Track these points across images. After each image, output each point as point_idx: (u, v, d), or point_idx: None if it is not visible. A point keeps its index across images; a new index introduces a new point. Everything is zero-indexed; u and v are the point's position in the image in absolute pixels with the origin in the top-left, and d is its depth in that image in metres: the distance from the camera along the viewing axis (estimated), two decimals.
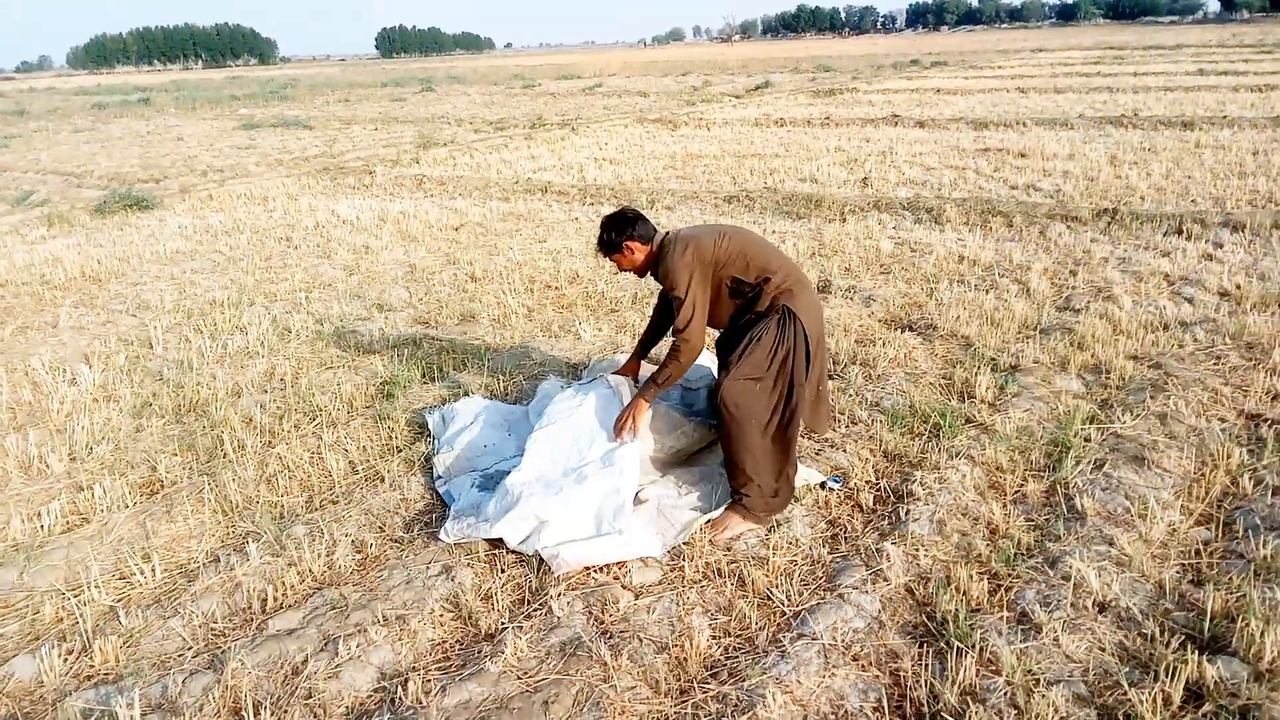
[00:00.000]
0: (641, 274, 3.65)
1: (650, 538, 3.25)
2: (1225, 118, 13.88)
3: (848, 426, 4.18)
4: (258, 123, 23.10)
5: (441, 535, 3.35)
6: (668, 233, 3.54)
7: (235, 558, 3.31)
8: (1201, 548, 3.10)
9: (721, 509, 3.44)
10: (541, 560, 3.17)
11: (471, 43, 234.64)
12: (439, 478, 3.86)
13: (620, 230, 3.50)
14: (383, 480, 3.89)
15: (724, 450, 3.43)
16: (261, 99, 34.96)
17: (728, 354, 3.53)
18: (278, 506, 3.71)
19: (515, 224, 9.18)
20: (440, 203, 10.57)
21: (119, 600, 3.12)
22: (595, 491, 3.35)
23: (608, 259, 3.65)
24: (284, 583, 3.13)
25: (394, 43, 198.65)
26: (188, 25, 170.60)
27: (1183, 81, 21.13)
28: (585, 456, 3.53)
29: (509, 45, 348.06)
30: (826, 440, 4.04)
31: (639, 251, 3.53)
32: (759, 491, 3.34)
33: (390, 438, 4.30)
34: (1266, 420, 3.99)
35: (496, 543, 3.29)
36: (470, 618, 2.93)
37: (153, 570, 3.25)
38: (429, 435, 4.28)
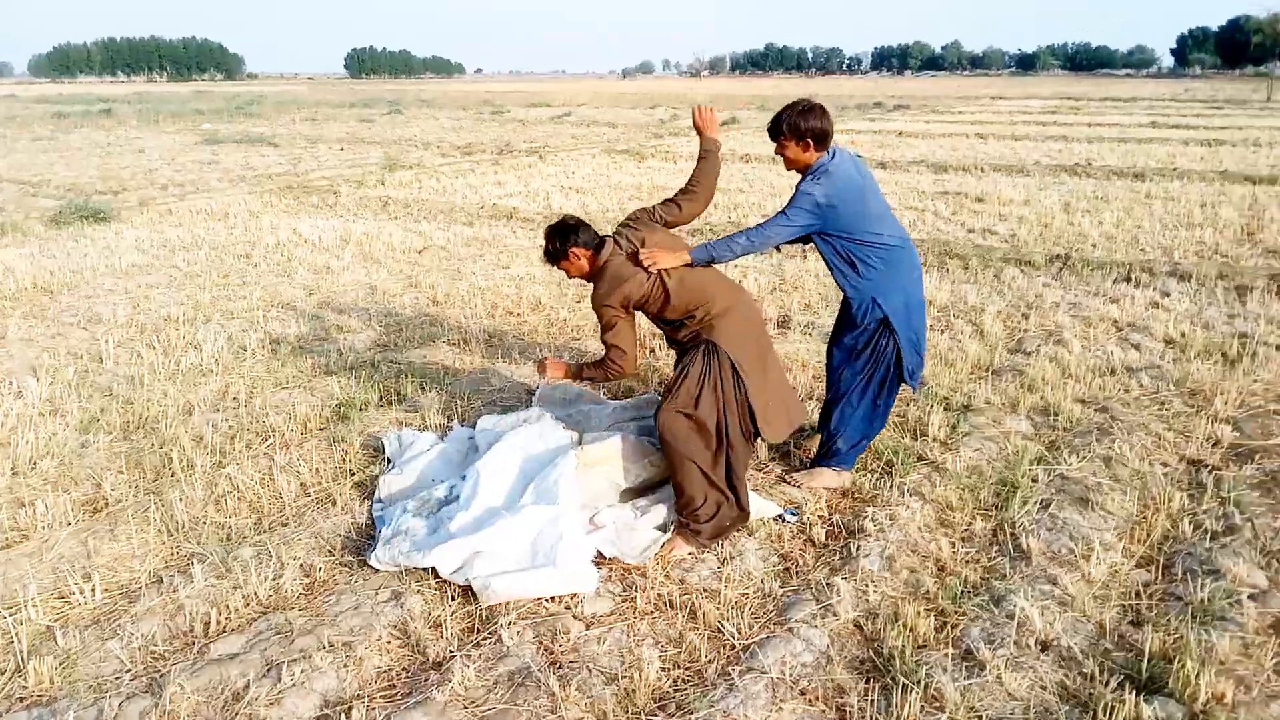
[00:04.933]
0: (589, 279, 3.71)
1: (587, 572, 3.23)
2: (1175, 170, 14.32)
3: (801, 461, 4.22)
4: (221, 138, 22.87)
5: (371, 561, 3.32)
6: (611, 243, 3.62)
7: (179, 579, 3.25)
8: (1141, 589, 3.18)
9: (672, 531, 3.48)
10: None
11: (442, 67, 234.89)
12: (378, 501, 3.83)
13: (564, 239, 3.60)
14: (334, 503, 3.84)
15: (670, 475, 3.50)
16: (227, 114, 34.65)
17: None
18: (225, 528, 3.65)
19: (479, 249, 9.18)
20: (404, 225, 10.54)
21: (56, 620, 3.04)
22: (532, 522, 3.35)
23: (556, 267, 3.72)
24: (228, 606, 3.07)
25: (363, 63, 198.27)
26: (154, 38, 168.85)
27: (1136, 133, 21.77)
28: (523, 487, 3.54)
29: (479, 71, 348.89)
30: (783, 475, 4.07)
31: (583, 258, 3.63)
32: (697, 517, 3.42)
33: (344, 461, 4.26)
34: (1207, 466, 4.10)
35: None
36: (418, 645, 2.91)
37: (93, 590, 3.18)
38: (383, 459, 4.24)
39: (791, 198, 3.65)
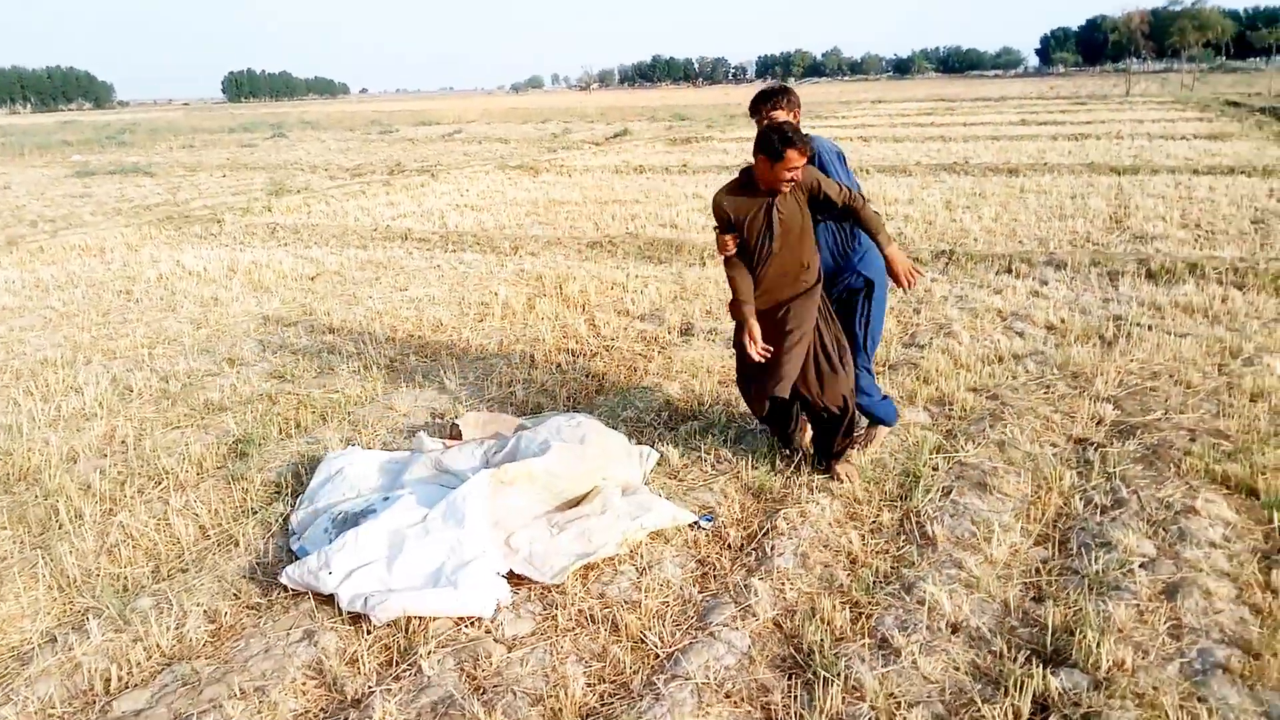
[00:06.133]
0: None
1: (485, 598, 3.20)
2: (1046, 164, 15.06)
3: (714, 466, 4.27)
4: (93, 169, 21.84)
5: (282, 578, 3.30)
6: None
7: (74, 636, 3.07)
8: (1041, 566, 3.32)
9: (599, 552, 3.46)
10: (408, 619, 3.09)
11: (325, 88, 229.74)
12: (292, 533, 3.73)
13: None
14: (237, 544, 3.70)
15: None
16: (98, 144, 33.10)
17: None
18: (121, 579, 3.48)
19: (375, 272, 9.00)
20: (295, 251, 10.26)
21: None
22: (440, 543, 3.34)
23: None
24: (129, 660, 2.93)
25: (242, 86, 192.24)
26: (15, 67, 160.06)
27: (1007, 131, 22.82)
28: (433, 505, 3.51)
29: (364, 90, 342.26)
30: (695, 480, 4.12)
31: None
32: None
33: (245, 499, 4.11)
34: (1093, 444, 4.32)
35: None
36: (335, 684, 2.82)
37: None
38: (286, 495, 4.11)
39: (823, 167, 3.97)
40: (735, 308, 3.94)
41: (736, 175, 3.88)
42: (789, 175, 3.63)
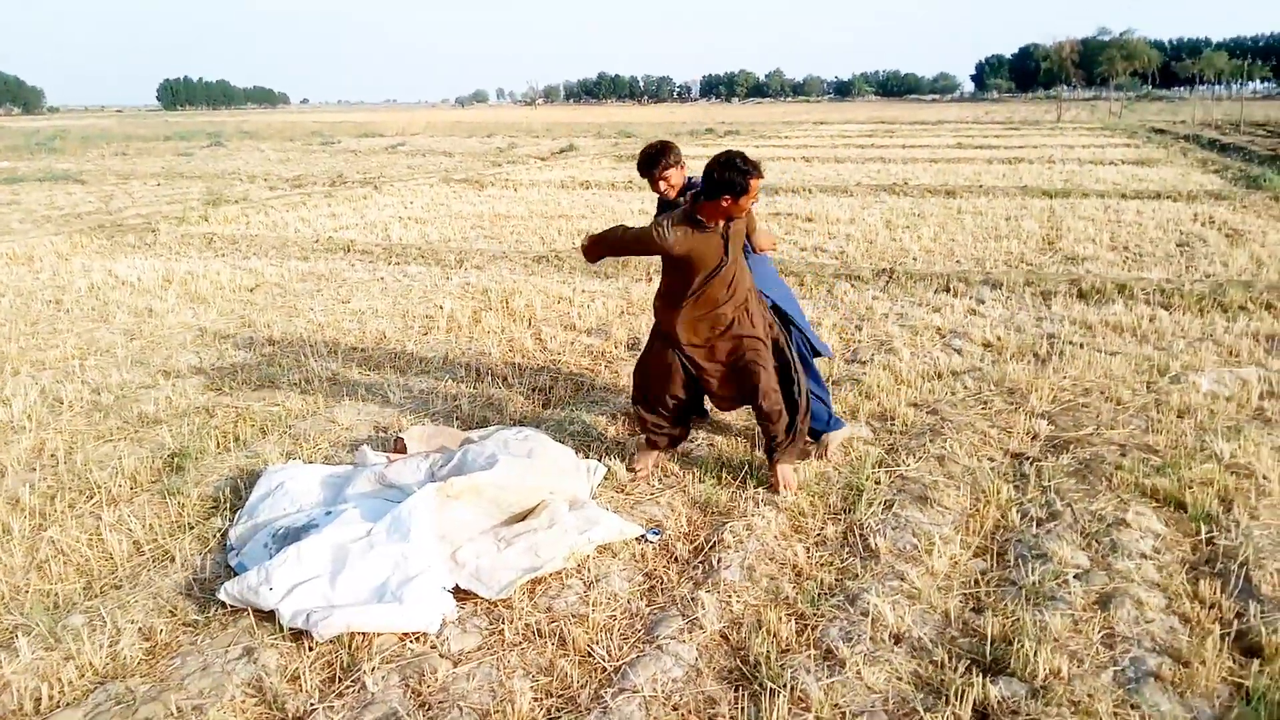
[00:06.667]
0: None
1: (431, 613, 3.16)
2: (982, 186, 15.47)
3: (660, 480, 4.29)
4: (21, 176, 21.18)
5: (220, 594, 3.23)
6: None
7: (2, 654, 2.96)
8: (980, 577, 3.40)
9: (546, 566, 3.44)
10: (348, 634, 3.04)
11: (265, 97, 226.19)
12: (230, 549, 3.65)
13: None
14: (173, 560, 3.61)
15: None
16: (26, 151, 32.08)
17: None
18: (51, 595, 3.36)
19: (316, 284, 8.86)
20: (233, 262, 10.06)
21: None
22: (384, 558, 3.29)
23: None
24: (60, 679, 2.83)
25: (178, 94, 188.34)
26: None
27: (945, 154, 23.39)
28: (376, 527, 3.46)
29: (305, 101, 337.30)
30: (643, 494, 4.13)
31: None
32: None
33: (181, 514, 4.01)
34: (1028, 458, 4.44)
35: None
36: (275, 701, 2.76)
37: None
38: (224, 510, 4.02)
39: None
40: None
41: (676, 215, 3.92)
42: (750, 203, 3.74)
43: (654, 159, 4.34)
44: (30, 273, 9.64)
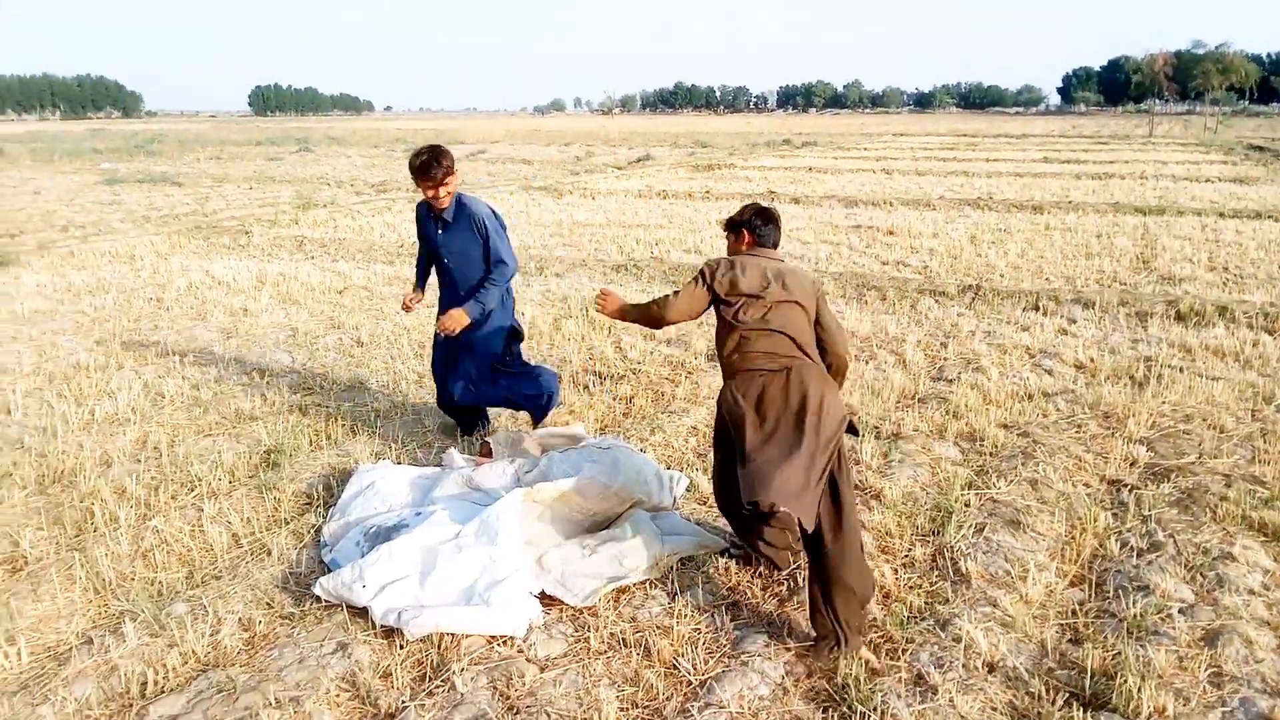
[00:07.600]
0: None
1: (518, 617, 3.19)
2: (1070, 202, 15.06)
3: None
4: (122, 177, 22.13)
5: (316, 589, 3.32)
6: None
7: (110, 639, 3.09)
8: (1077, 608, 3.29)
9: (630, 576, 3.44)
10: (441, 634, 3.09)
11: (349, 104, 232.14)
12: (324, 545, 3.74)
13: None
14: (270, 553, 3.72)
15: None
16: (126, 153, 33.53)
17: None
18: (155, 583, 3.50)
19: (401, 288, 9.05)
20: (322, 265, 10.34)
21: None
22: (473, 561, 3.34)
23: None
24: (165, 665, 2.94)
25: (268, 101, 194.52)
26: (46, 75, 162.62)
27: (1030, 168, 22.84)
28: (467, 523, 3.51)
29: (389, 108, 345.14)
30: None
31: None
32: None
33: (277, 509, 4.13)
34: (1126, 486, 4.29)
35: None
36: (369, 697, 2.82)
37: (18, 654, 3.00)
38: (317, 506, 4.13)
39: (487, 232, 5.04)
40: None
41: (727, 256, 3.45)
42: None
43: (425, 171, 4.50)
44: (132, 270, 10.06)
